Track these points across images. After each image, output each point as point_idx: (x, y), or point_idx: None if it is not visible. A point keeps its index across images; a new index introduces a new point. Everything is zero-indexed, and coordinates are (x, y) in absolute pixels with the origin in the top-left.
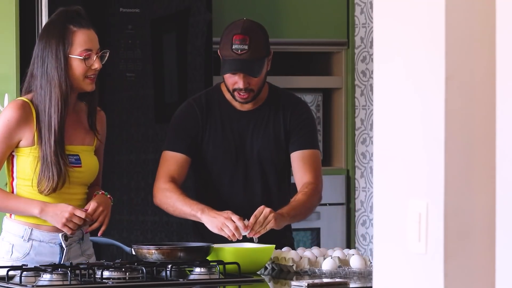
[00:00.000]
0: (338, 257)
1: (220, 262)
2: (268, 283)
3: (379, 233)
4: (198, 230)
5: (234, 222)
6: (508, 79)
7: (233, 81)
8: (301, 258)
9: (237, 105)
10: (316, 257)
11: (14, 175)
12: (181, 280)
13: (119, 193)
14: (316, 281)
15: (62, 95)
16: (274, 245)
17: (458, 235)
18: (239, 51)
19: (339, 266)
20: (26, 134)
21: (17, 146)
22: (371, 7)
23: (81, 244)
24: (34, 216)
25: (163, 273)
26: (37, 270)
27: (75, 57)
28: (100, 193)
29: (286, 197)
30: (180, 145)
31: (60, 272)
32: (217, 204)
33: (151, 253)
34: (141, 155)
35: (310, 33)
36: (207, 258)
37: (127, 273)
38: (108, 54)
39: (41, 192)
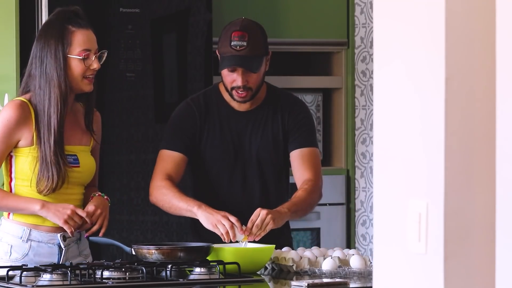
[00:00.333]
0: (338, 257)
1: (220, 262)
2: (268, 283)
3: (379, 233)
4: (196, 229)
5: (231, 222)
6: (508, 79)
7: (231, 78)
8: (301, 258)
9: (235, 105)
10: (316, 257)
11: (13, 175)
12: (181, 280)
13: (119, 193)
14: (316, 281)
15: (61, 95)
16: (274, 245)
17: (458, 235)
18: (238, 47)
19: (339, 266)
20: (25, 134)
21: (15, 146)
22: (371, 7)
23: (79, 245)
24: (34, 214)
25: (163, 273)
26: (37, 270)
27: (74, 57)
28: (97, 194)
29: (284, 197)
30: (177, 144)
31: (60, 272)
32: (215, 204)
33: (151, 253)
34: (141, 155)
35: (310, 33)
36: (207, 258)
37: (127, 273)
38: (106, 54)
39: (40, 192)
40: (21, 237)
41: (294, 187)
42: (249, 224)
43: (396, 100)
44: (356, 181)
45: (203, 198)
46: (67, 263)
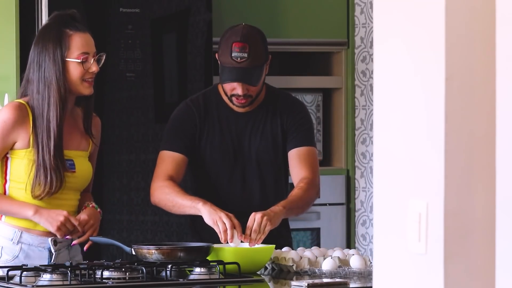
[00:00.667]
0: (338, 257)
1: (220, 262)
2: (268, 283)
3: (379, 233)
4: (196, 229)
5: (233, 223)
6: (508, 79)
7: (232, 87)
8: (301, 258)
9: (234, 106)
10: (316, 257)
11: (7, 177)
12: (181, 280)
13: (119, 193)
14: (316, 281)
15: (60, 99)
16: (274, 245)
17: (458, 235)
18: (239, 59)
19: (339, 266)
20: (22, 135)
21: (12, 148)
22: (371, 7)
23: (70, 251)
24: (26, 219)
25: (163, 273)
26: (37, 270)
27: (73, 60)
28: (90, 205)
29: (283, 198)
30: (177, 145)
31: (60, 272)
32: (215, 204)
33: (151, 253)
34: (141, 155)
35: (310, 33)
36: (207, 258)
37: (127, 273)
38: (104, 57)
39: (35, 197)
40: (12, 239)
41: (292, 187)
42: (247, 230)
43: (396, 100)
44: (356, 181)
45: (203, 198)
46: (67, 263)
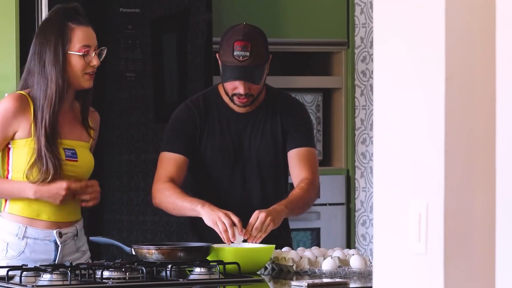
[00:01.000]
0: (338, 257)
1: (220, 262)
2: (268, 283)
3: (379, 233)
4: (196, 229)
5: (232, 220)
6: (508, 79)
7: (233, 86)
8: (301, 258)
9: (235, 106)
10: (316, 257)
11: (10, 167)
12: (181, 280)
13: (119, 193)
14: (316, 281)
15: (57, 91)
16: (274, 245)
17: (458, 235)
18: (241, 57)
19: (339, 266)
20: (23, 125)
21: (13, 138)
22: (371, 7)
23: (76, 241)
24: (28, 207)
25: (163, 273)
26: (37, 270)
27: (74, 53)
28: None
29: (283, 198)
30: (178, 146)
31: (60, 272)
32: (215, 204)
33: (151, 253)
34: (141, 155)
35: (310, 33)
36: (207, 258)
37: (127, 273)
38: (105, 51)
39: (32, 182)
40: (17, 235)
41: (292, 187)
42: (249, 227)
43: (396, 100)
44: (356, 181)
45: (203, 198)
46: (67, 263)
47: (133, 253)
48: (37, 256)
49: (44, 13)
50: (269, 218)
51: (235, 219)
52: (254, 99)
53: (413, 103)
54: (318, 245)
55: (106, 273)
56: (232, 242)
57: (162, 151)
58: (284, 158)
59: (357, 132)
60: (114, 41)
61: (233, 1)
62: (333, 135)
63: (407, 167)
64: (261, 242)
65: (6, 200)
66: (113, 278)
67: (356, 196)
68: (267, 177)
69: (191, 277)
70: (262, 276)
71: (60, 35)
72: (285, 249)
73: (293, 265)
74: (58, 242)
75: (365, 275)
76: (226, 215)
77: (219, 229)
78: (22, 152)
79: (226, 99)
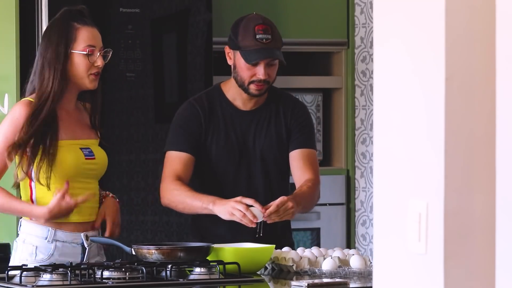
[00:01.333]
0: (338, 257)
1: (220, 262)
2: (268, 283)
3: (379, 233)
4: (198, 230)
5: (246, 204)
6: (508, 79)
7: (252, 72)
8: (301, 258)
9: (239, 104)
10: (316, 257)
11: (32, 176)
12: (181, 280)
13: (119, 193)
14: (316, 281)
15: (60, 89)
16: (274, 245)
17: (458, 235)
18: (264, 40)
19: (339, 266)
20: None
21: (30, 146)
22: (371, 7)
23: (97, 244)
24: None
25: (163, 273)
26: (37, 270)
27: (78, 52)
28: (110, 196)
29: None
30: (184, 144)
31: (60, 272)
32: None
33: (151, 253)
34: (141, 155)
35: (310, 33)
36: (207, 258)
37: (127, 273)
38: (111, 53)
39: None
40: (46, 238)
41: (292, 187)
42: (273, 208)
43: (396, 100)
44: (356, 181)
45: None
46: (67, 263)
47: (133, 253)
48: (66, 259)
49: (44, 13)
50: (292, 210)
51: (249, 200)
52: (268, 87)
53: (413, 103)
54: (318, 245)
55: (106, 273)
56: (256, 224)
57: (168, 150)
58: (288, 156)
59: (357, 132)
60: (114, 41)
61: (233, 1)
62: (333, 135)
63: (407, 167)
64: (264, 242)
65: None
66: (113, 278)
67: (356, 196)
68: (272, 175)
69: (191, 277)
70: (262, 276)
71: (64, 35)
72: (285, 249)
73: (293, 265)
74: (86, 245)
75: (365, 275)
76: (237, 202)
77: (238, 218)
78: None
79: (230, 97)
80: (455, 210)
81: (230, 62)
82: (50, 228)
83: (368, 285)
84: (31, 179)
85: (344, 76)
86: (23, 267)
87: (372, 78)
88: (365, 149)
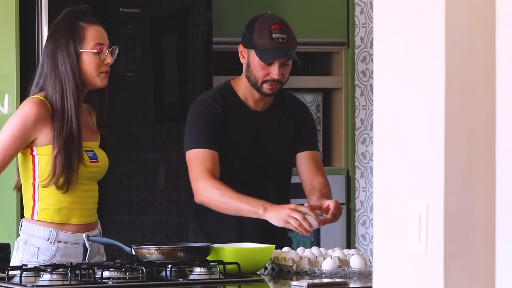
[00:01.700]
0: (338, 257)
1: (220, 262)
2: (268, 283)
3: (379, 233)
4: (203, 231)
5: (302, 213)
6: (508, 79)
7: (266, 72)
8: (301, 258)
9: (251, 104)
10: (316, 257)
11: (36, 175)
12: (181, 280)
13: (119, 193)
14: (316, 281)
15: (77, 90)
16: (274, 245)
17: (458, 235)
18: (280, 39)
19: (339, 266)
20: (45, 131)
21: (36, 145)
22: (371, 7)
23: (98, 244)
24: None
25: (163, 273)
26: (37, 270)
27: (88, 51)
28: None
29: (288, 197)
30: (209, 141)
31: (60, 272)
32: None
33: (151, 253)
34: (141, 155)
35: (310, 33)
36: (207, 258)
37: (127, 273)
38: (117, 50)
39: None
40: (49, 239)
41: (295, 186)
42: (329, 215)
43: (396, 100)
44: (356, 181)
45: None
46: (67, 263)
47: (133, 253)
48: (67, 259)
49: (44, 13)
50: (339, 217)
51: (304, 208)
52: (280, 87)
53: (413, 103)
54: (318, 245)
55: (106, 273)
56: (310, 233)
57: (193, 148)
58: (294, 157)
59: (357, 132)
60: (114, 41)
61: (233, 1)
62: (333, 135)
63: (407, 167)
64: (262, 242)
65: (33, 207)
66: (113, 278)
67: (356, 196)
68: (281, 176)
69: (191, 277)
70: (262, 276)
71: (71, 35)
72: (285, 249)
73: (293, 265)
74: (87, 245)
75: (365, 275)
76: (293, 210)
77: (293, 226)
78: (48, 159)
79: (242, 96)
80: (455, 210)
81: (243, 60)
82: (52, 229)
83: (368, 285)
84: (34, 179)
85: (344, 76)
86: (23, 267)
87: (372, 78)
88: (365, 149)
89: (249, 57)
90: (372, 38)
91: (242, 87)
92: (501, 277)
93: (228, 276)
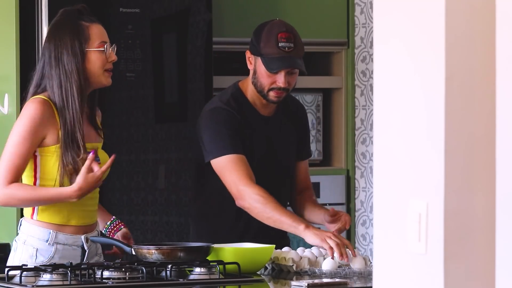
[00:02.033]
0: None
1: (220, 262)
2: (268, 283)
3: (379, 233)
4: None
5: (341, 241)
6: (508, 79)
7: (272, 80)
8: (301, 258)
9: (259, 109)
10: (316, 257)
11: (37, 175)
12: (181, 280)
13: (119, 193)
14: (316, 281)
15: (81, 91)
16: (274, 245)
17: (458, 235)
18: (286, 48)
19: (339, 266)
20: (51, 131)
21: (40, 146)
22: (371, 7)
23: (95, 244)
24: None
25: (163, 273)
26: (37, 270)
27: (95, 49)
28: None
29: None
30: (239, 147)
31: (60, 272)
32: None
33: (151, 253)
34: (141, 155)
35: (310, 33)
36: (207, 258)
37: (127, 273)
38: (116, 48)
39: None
40: (47, 240)
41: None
42: (347, 226)
43: (396, 100)
44: (356, 181)
45: (229, 199)
46: (67, 263)
47: (133, 253)
48: (66, 261)
49: (44, 13)
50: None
51: (345, 241)
52: (286, 94)
53: (413, 103)
54: None
55: (106, 273)
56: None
57: (224, 155)
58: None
59: (357, 132)
60: (114, 41)
61: (233, 1)
62: (333, 135)
63: (407, 167)
64: (262, 242)
65: (34, 208)
66: (113, 278)
67: (356, 196)
68: (288, 179)
69: (191, 277)
70: (262, 276)
71: (76, 34)
72: (285, 249)
73: (293, 265)
74: (85, 247)
75: (365, 275)
76: (335, 236)
77: (329, 245)
78: (51, 160)
79: (251, 100)
80: (455, 210)
81: (250, 67)
82: (51, 231)
83: (368, 285)
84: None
85: (344, 76)
86: (23, 267)
87: (372, 78)
88: (365, 149)
89: (255, 64)
90: (372, 38)
91: (250, 91)
92: (501, 277)
93: (228, 276)
